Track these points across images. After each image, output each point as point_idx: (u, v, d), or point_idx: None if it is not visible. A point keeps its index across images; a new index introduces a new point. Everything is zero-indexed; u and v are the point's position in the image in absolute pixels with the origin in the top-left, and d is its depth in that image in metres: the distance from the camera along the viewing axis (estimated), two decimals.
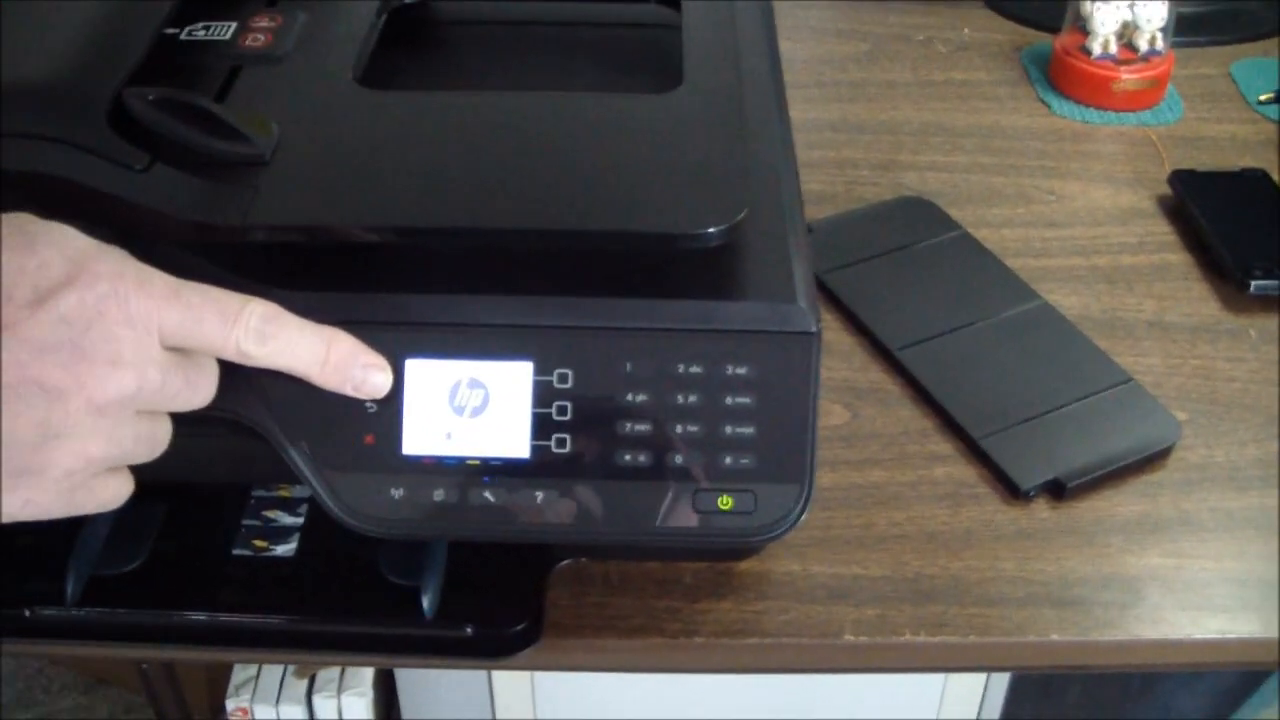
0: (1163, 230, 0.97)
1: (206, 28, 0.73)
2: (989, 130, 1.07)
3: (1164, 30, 1.09)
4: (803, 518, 0.61)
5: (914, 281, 0.90)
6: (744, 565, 0.72)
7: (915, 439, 0.80)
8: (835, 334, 0.87)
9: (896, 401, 0.82)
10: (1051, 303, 0.88)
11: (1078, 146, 1.06)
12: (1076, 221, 0.97)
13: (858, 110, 1.09)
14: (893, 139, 1.06)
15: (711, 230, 0.58)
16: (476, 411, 0.60)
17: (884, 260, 0.92)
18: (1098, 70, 1.09)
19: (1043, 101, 1.11)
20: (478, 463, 0.60)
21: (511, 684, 1.15)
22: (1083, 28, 1.11)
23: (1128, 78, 1.09)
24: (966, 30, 1.21)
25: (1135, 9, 1.08)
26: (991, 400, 0.81)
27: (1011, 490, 0.76)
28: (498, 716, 1.17)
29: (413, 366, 0.60)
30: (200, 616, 0.68)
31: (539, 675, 1.15)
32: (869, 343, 0.86)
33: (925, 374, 0.83)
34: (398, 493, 0.60)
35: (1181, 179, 0.99)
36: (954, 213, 0.96)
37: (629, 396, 0.60)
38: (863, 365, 0.85)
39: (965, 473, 0.78)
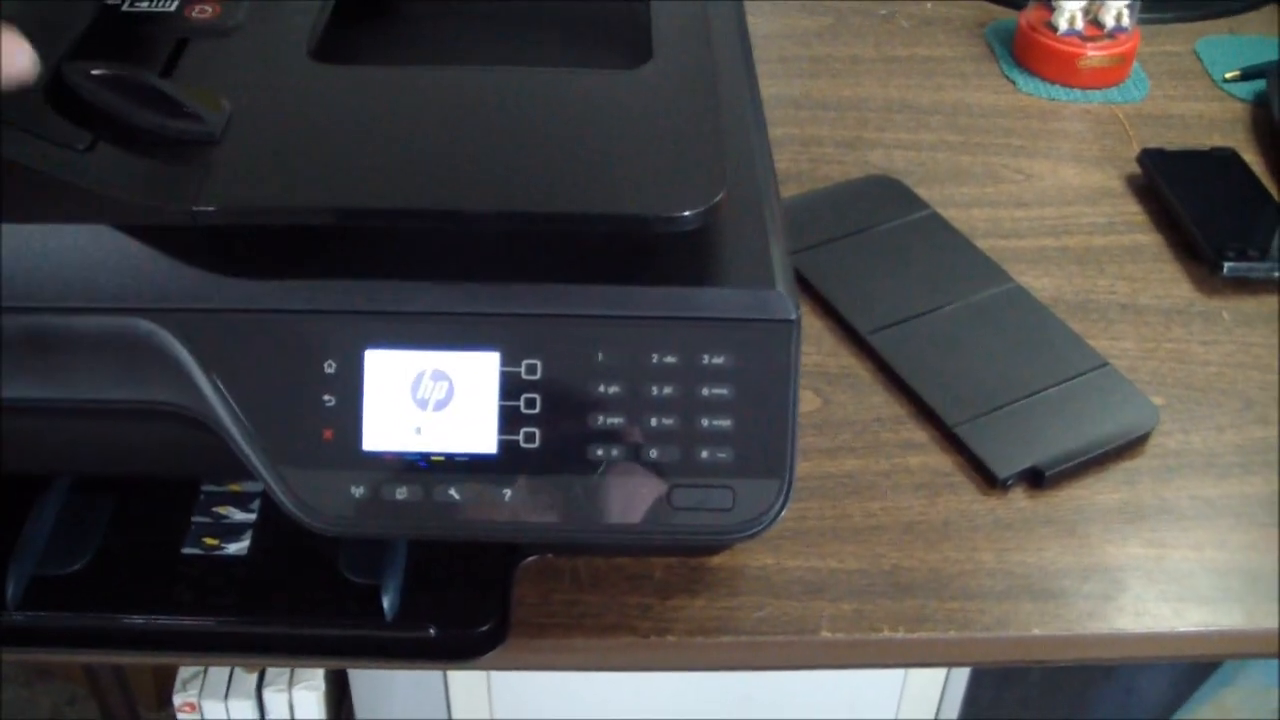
0: (1133, 210, 0.97)
1: None
2: (955, 107, 1.06)
3: (1130, 6, 1.08)
4: (783, 514, 0.60)
5: (883, 263, 0.89)
6: (717, 560, 0.71)
7: (889, 426, 0.79)
8: (804, 318, 0.83)
9: (868, 387, 0.82)
10: (1023, 285, 0.88)
11: (1045, 124, 1.05)
12: (1046, 201, 0.97)
13: (821, 86, 1.08)
14: (858, 116, 1.05)
15: (688, 213, 0.57)
16: (440, 405, 0.59)
17: (852, 240, 0.91)
18: (1063, 47, 1.08)
19: (1008, 78, 1.10)
20: (442, 459, 0.59)
21: (467, 678, 1.14)
22: (1048, 3, 1.10)
23: (1094, 54, 1.08)
24: (930, 4, 1.20)
25: None
26: (966, 386, 0.80)
27: (988, 479, 0.76)
28: (453, 714, 1.16)
29: (373, 357, 0.59)
30: (150, 619, 0.66)
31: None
32: (838, 326, 0.86)
33: (897, 359, 0.82)
34: (358, 490, 0.59)
35: (1151, 158, 0.98)
36: (922, 192, 0.95)
37: (600, 388, 0.59)
38: (833, 349, 0.84)
39: (941, 461, 0.77)
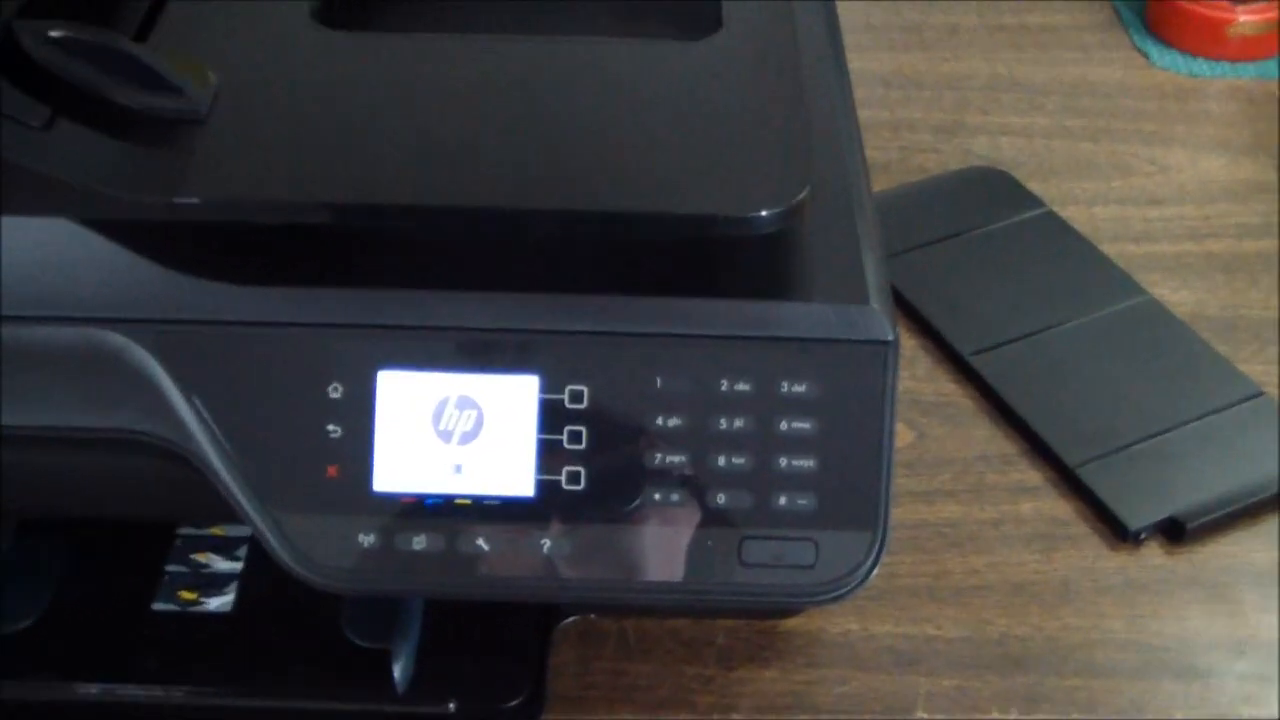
0: None
1: None
2: (1075, 86, 1.06)
3: None
4: (874, 572, 0.60)
5: (988, 271, 0.89)
6: (790, 623, 0.71)
7: (996, 466, 0.79)
8: None
9: (970, 419, 0.82)
10: (1157, 298, 0.88)
11: (1184, 106, 1.05)
12: (1185, 198, 0.97)
13: (914, 61, 1.09)
14: (957, 96, 1.05)
15: (765, 214, 0.57)
16: (467, 437, 0.59)
17: (951, 245, 0.91)
18: (1208, 11, 1.08)
19: (1140, 50, 1.10)
20: (468, 502, 0.59)
21: None
22: None
23: (1246, 20, 1.07)
24: None
25: None
26: (1089, 419, 0.80)
27: (1118, 531, 0.75)
28: None
29: (388, 380, 0.58)
30: (110, 689, 0.66)
31: None
32: (935, 346, 0.86)
33: (1006, 385, 0.82)
34: (367, 539, 0.59)
35: None
36: (1034, 187, 0.95)
37: (659, 420, 0.59)
38: (929, 374, 0.84)
39: (1059, 508, 0.77)
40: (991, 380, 0.83)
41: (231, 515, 0.59)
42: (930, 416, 0.81)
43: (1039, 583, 0.73)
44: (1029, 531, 0.76)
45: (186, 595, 0.70)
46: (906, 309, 0.87)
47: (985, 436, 0.81)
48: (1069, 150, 1.00)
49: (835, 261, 0.61)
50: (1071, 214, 0.93)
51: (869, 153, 0.93)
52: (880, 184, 0.94)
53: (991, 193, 0.95)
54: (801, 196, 0.58)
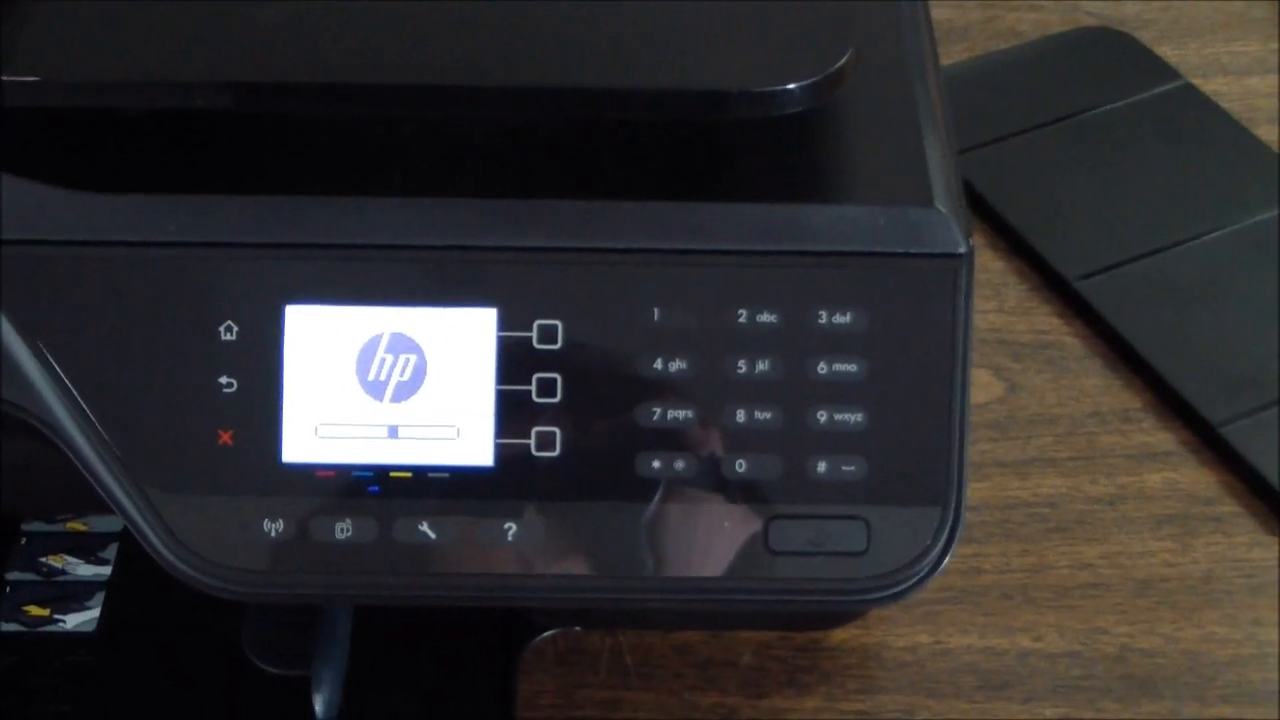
0: None
1: None
2: None
3: None
4: (946, 562, 0.61)
5: (1103, 167, 0.89)
6: (839, 636, 0.71)
7: (1112, 425, 0.80)
8: (977, 253, 0.85)
9: (1077, 364, 0.82)
10: None
11: None
12: None
13: None
14: None
15: (792, 87, 0.57)
16: (405, 390, 0.60)
17: (1052, 133, 0.91)
18: None
19: None
20: (407, 475, 0.60)
21: None
22: None
23: None
24: None
25: None
26: (1237, 363, 0.81)
27: (1278, 510, 0.76)
28: None
29: (298, 316, 0.59)
30: None
31: None
32: (1031, 268, 0.86)
33: (1126, 320, 0.83)
34: (274, 527, 0.59)
35: None
36: (1166, 52, 0.96)
37: (657, 364, 0.60)
38: (1021, 305, 0.85)
39: (1198, 481, 0.77)
40: (1106, 313, 0.83)
41: (95, 501, 0.59)
42: (1025, 361, 0.82)
43: (1172, 579, 0.73)
44: (1158, 512, 0.76)
45: (36, 611, 0.70)
46: (992, 219, 0.87)
47: (1098, 387, 0.81)
48: (1213, 5, 1.00)
49: (889, 152, 0.62)
50: (1217, 88, 0.93)
51: (939, 11, 0.94)
52: (955, 53, 0.95)
53: (1108, 61, 0.95)
54: (840, 64, 0.58)
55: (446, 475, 0.60)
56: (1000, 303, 0.85)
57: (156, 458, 0.59)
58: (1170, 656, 0.71)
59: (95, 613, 0.70)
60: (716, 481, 0.60)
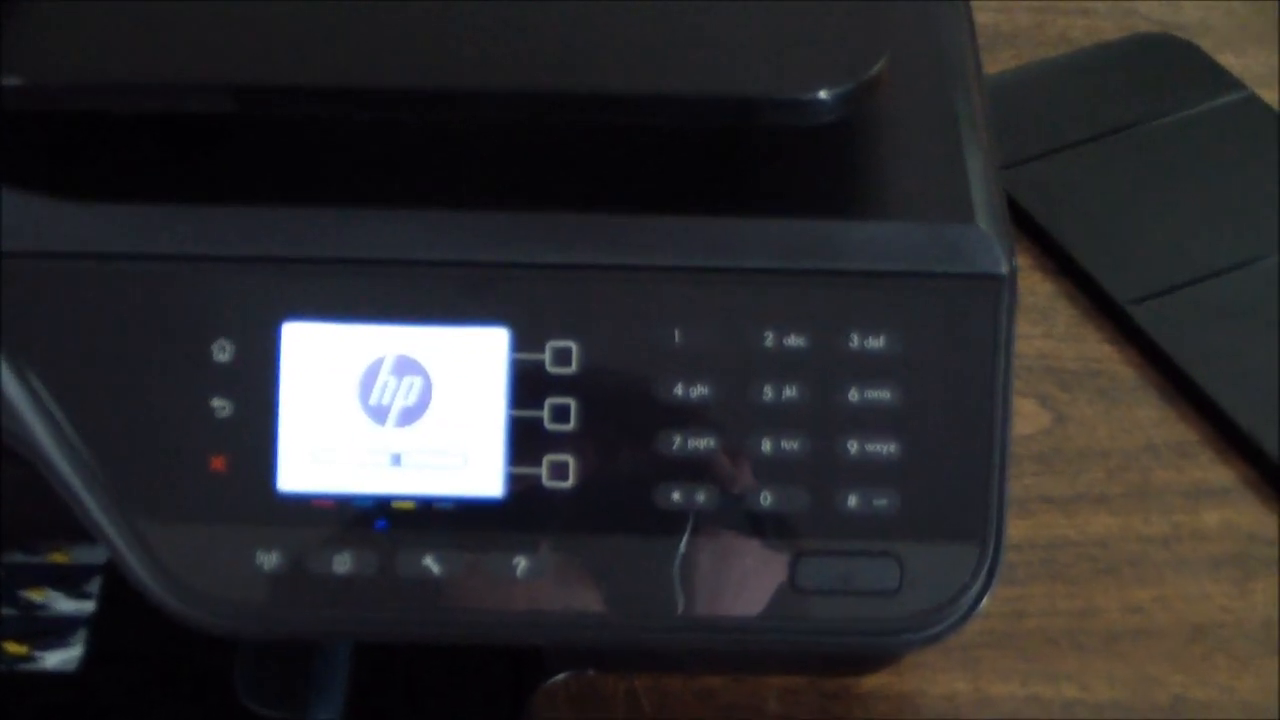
0: None
1: None
2: None
3: None
4: (983, 602, 0.60)
5: (1159, 184, 0.88)
6: (871, 682, 0.70)
7: (1168, 460, 0.78)
8: (1022, 274, 0.84)
9: (1130, 394, 0.81)
10: None
11: None
12: None
13: None
14: None
15: (823, 95, 0.57)
16: (409, 415, 0.59)
17: (1105, 147, 0.90)
18: None
19: None
20: (411, 505, 0.59)
21: None
22: None
23: None
24: None
25: None
26: None
27: None
28: None
29: (296, 335, 0.59)
30: None
31: None
32: (1080, 291, 0.85)
33: (1182, 347, 0.81)
34: (268, 560, 0.59)
35: None
36: (1228, 60, 0.95)
37: (678, 389, 0.59)
38: (1071, 330, 0.84)
39: (1258, 519, 0.76)
40: (1162, 340, 0.81)
41: (78, 530, 0.59)
42: (1073, 391, 0.80)
43: (1229, 625, 0.72)
44: (1215, 552, 0.75)
45: (14, 649, 0.70)
46: (1039, 238, 0.86)
47: (1152, 419, 0.80)
48: None
49: (926, 165, 0.62)
50: None
51: (984, 15, 0.93)
52: (1001, 60, 0.94)
53: (1165, 70, 0.94)
54: (875, 70, 0.58)
55: (453, 506, 0.60)
56: (1047, 328, 0.83)
57: (144, 484, 0.59)
58: (1227, 708, 0.70)
59: (77, 650, 0.69)
60: (740, 515, 0.60)
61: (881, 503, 0.59)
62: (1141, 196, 0.87)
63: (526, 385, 0.59)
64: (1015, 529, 0.72)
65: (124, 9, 0.61)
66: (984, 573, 0.60)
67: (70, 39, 0.60)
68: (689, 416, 0.59)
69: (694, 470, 0.59)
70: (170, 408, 0.59)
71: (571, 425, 0.59)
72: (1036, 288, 0.85)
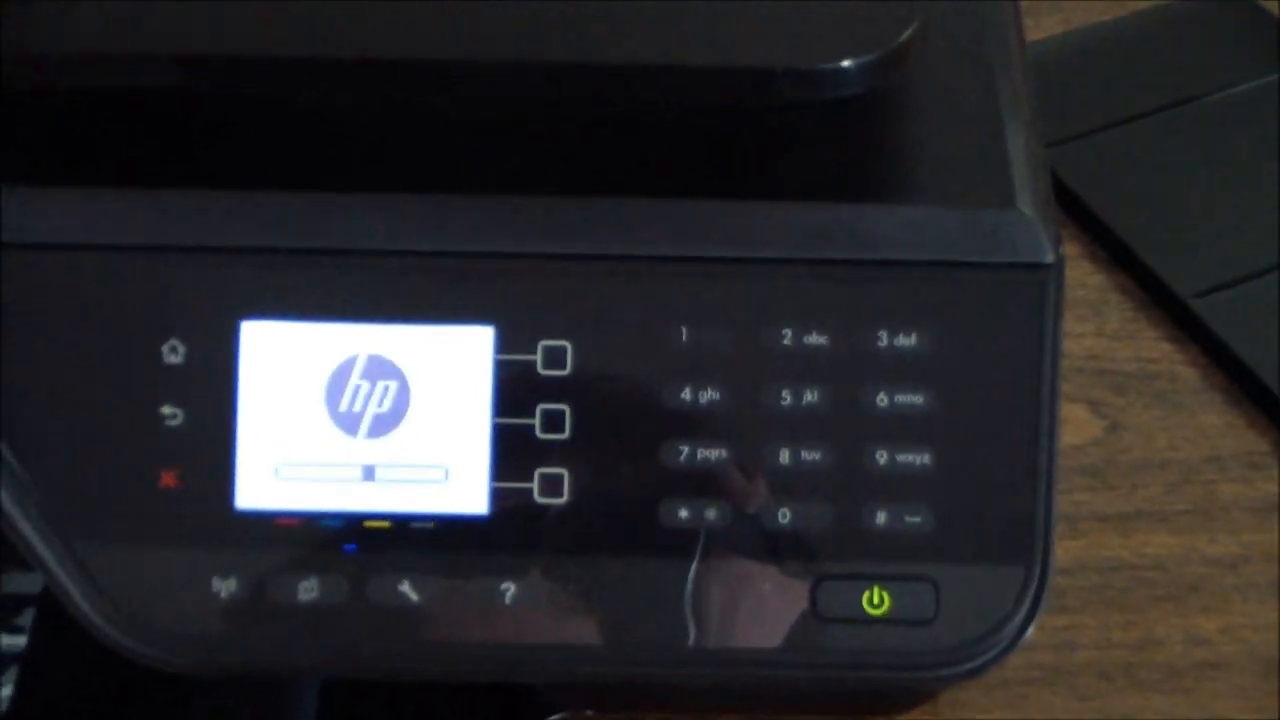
0: None
1: None
2: None
3: None
4: (1028, 632, 0.57)
5: (1222, 165, 0.85)
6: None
7: (1235, 472, 0.75)
8: (1070, 265, 0.82)
9: (1192, 398, 0.78)
10: None
11: None
12: None
13: None
14: None
15: (846, 65, 0.55)
16: (383, 424, 0.57)
17: (1162, 122, 0.88)
18: None
19: None
20: (386, 524, 0.57)
21: None
22: None
23: None
24: None
25: None
26: None
27: None
28: None
29: (255, 334, 0.57)
30: None
31: None
32: (1137, 283, 0.82)
33: (1249, 346, 0.78)
34: (226, 586, 0.57)
35: None
36: None
37: (685, 393, 0.57)
38: (1126, 328, 0.81)
39: None
40: (1227, 337, 0.78)
41: (10, 554, 0.58)
42: (1129, 395, 0.78)
43: None
44: None
45: None
46: (1090, 224, 0.83)
47: (1217, 426, 0.77)
48: None
49: (962, 143, 0.61)
50: None
51: None
52: (1047, 26, 0.93)
53: (1229, 36, 0.91)
54: (904, 38, 0.56)
55: (432, 525, 0.58)
56: (1100, 325, 0.81)
57: (84, 502, 0.58)
58: None
59: (6, 691, 0.67)
60: (755, 534, 0.58)
61: (914, 520, 0.58)
62: (1204, 177, 0.85)
63: (515, 390, 0.58)
64: (1064, 550, 0.72)
65: None
66: (1029, 599, 0.58)
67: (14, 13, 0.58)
68: (697, 424, 0.58)
69: (703, 485, 0.58)
70: (115, 416, 0.58)
71: (565, 434, 0.58)
72: (1086, 279, 0.82)
